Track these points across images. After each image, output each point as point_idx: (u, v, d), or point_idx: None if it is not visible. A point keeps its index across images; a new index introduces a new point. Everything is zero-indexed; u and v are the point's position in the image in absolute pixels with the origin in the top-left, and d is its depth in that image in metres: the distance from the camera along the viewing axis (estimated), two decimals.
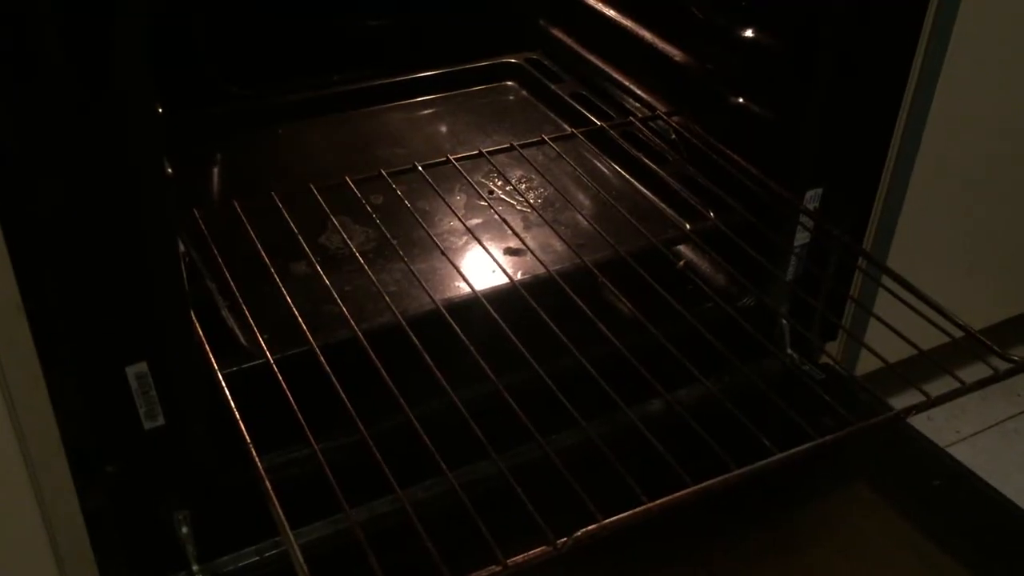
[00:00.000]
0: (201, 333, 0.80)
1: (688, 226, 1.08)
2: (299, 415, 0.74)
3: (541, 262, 0.95)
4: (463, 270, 0.99)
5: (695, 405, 0.95)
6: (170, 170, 0.76)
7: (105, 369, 0.73)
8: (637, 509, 0.66)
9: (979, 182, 1.13)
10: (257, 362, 0.83)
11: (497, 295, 0.92)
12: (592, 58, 1.30)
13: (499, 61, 1.38)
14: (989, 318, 1.25)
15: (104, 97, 0.64)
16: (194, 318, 0.80)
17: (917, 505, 0.98)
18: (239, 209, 0.91)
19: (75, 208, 0.65)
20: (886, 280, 1.05)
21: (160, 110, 0.70)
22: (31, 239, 0.65)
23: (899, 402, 0.89)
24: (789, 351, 1.10)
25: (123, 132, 0.65)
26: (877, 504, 0.99)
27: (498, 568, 0.63)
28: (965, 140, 1.07)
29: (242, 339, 0.86)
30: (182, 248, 0.80)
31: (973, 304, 1.21)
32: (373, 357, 0.79)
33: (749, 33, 1.01)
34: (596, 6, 1.27)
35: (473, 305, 0.89)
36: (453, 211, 1.05)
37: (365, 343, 0.81)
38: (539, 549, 0.65)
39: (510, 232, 1.02)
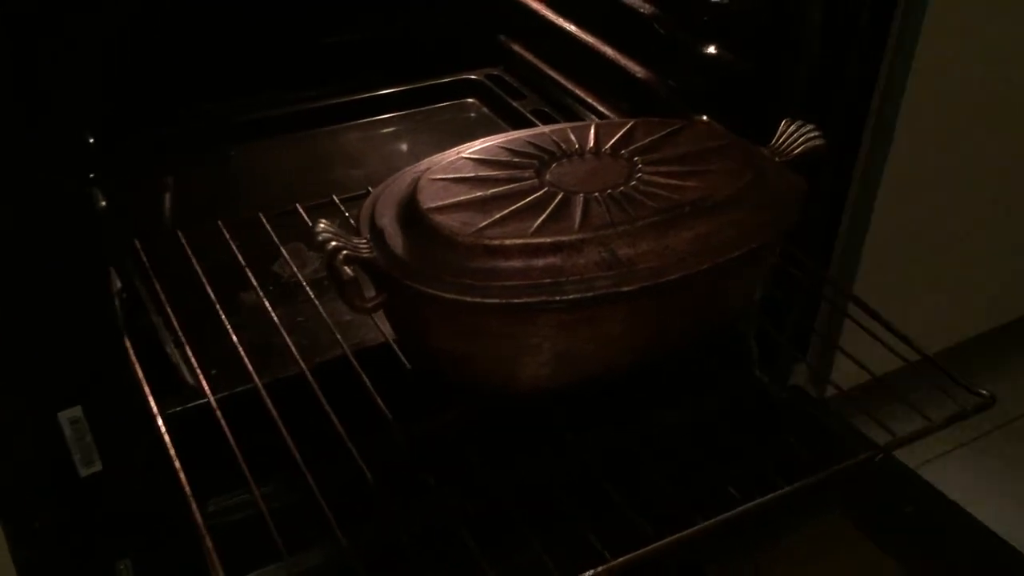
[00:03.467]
0: (140, 373, 0.76)
1: None
2: (240, 458, 0.71)
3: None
4: None
5: (664, 432, 0.94)
6: (103, 202, 0.73)
7: (36, 416, 0.69)
8: (599, 569, 0.63)
9: (948, 199, 1.11)
10: (202, 401, 0.79)
11: None
12: (554, 74, 1.27)
13: (459, 78, 1.36)
14: (961, 335, 1.24)
15: (26, 128, 0.60)
16: (134, 357, 0.76)
17: (890, 532, 0.96)
18: (183, 240, 0.87)
19: None
20: (851, 308, 1.03)
21: (92, 140, 0.67)
22: None
23: (870, 423, 0.87)
24: (757, 373, 1.07)
25: (46, 164, 0.61)
26: (847, 530, 0.97)
27: None
28: (933, 156, 1.05)
29: (187, 377, 0.82)
30: (119, 284, 0.76)
31: (942, 322, 1.19)
32: (319, 394, 0.76)
33: (712, 50, 0.99)
34: (557, 21, 1.24)
35: None
36: None
37: (311, 378, 0.77)
38: None
39: None
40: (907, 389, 0.82)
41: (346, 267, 0.66)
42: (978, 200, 1.13)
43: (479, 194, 0.73)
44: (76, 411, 0.70)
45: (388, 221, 0.72)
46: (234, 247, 0.89)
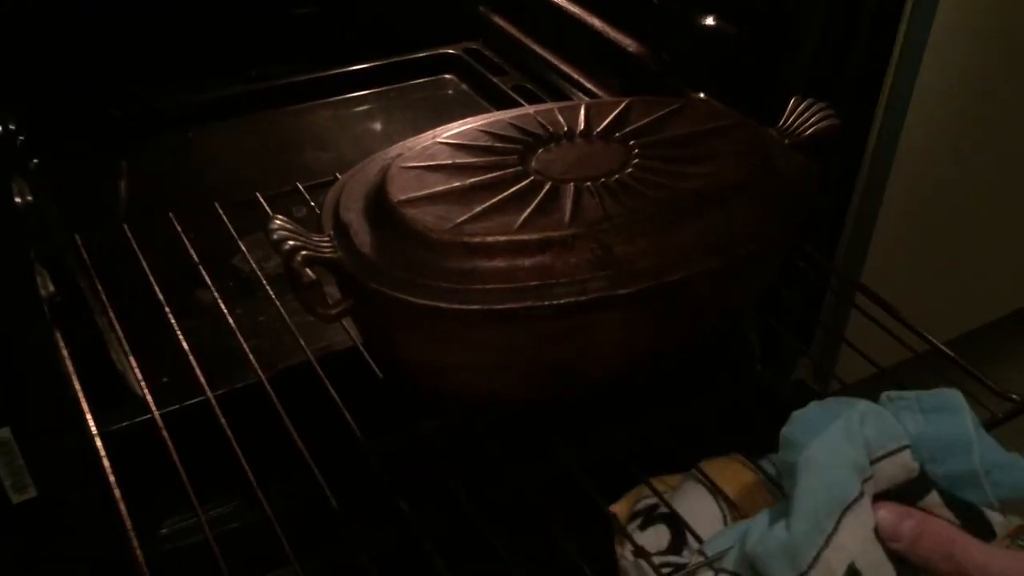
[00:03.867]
0: (78, 386, 0.68)
1: None
2: (184, 479, 0.63)
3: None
4: None
5: (661, 432, 0.87)
6: (30, 197, 0.64)
7: None
8: None
9: (955, 183, 1.05)
10: (147, 416, 0.71)
11: None
12: (537, 48, 1.20)
13: (436, 52, 1.28)
14: (970, 323, 1.17)
15: None
16: (71, 369, 0.68)
17: None
18: (129, 234, 0.79)
19: None
20: (858, 298, 0.97)
21: (13, 127, 0.58)
22: None
23: None
24: (759, 368, 1.01)
25: None
26: None
27: None
28: (942, 144, 0.98)
29: (135, 388, 0.74)
30: (51, 287, 0.68)
31: (951, 312, 1.13)
32: (279, 406, 0.68)
33: (710, 21, 0.91)
34: None
35: None
36: None
37: (268, 388, 0.69)
38: None
39: None
40: (915, 382, 0.76)
41: (306, 269, 0.58)
42: (993, 183, 1.06)
43: (456, 184, 0.65)
44: (4, 432, 0.63)
45: (354, 215, 0.64)
46: (186, 240, 0.80)
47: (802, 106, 0.74)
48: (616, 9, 1.04)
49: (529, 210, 0.62)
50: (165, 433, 0.66)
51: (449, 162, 0.68)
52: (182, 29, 1.15)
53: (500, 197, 0.63)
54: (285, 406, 0.69)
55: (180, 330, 0.74)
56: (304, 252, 0.58)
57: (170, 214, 0.82)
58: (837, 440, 0.51)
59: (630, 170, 0.66)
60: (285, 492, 0.67)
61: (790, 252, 0.78)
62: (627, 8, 1.02)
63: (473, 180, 0.65)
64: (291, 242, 0.58)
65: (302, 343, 0.74)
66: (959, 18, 0.85)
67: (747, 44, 0.87)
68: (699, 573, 0.54)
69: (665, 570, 0.58)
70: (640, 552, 0.61)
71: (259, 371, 0.71)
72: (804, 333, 1.04)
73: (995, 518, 0.53)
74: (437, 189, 0.64)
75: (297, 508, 0.66)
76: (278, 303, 0.78)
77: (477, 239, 0.59)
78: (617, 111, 0.73)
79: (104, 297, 0.74)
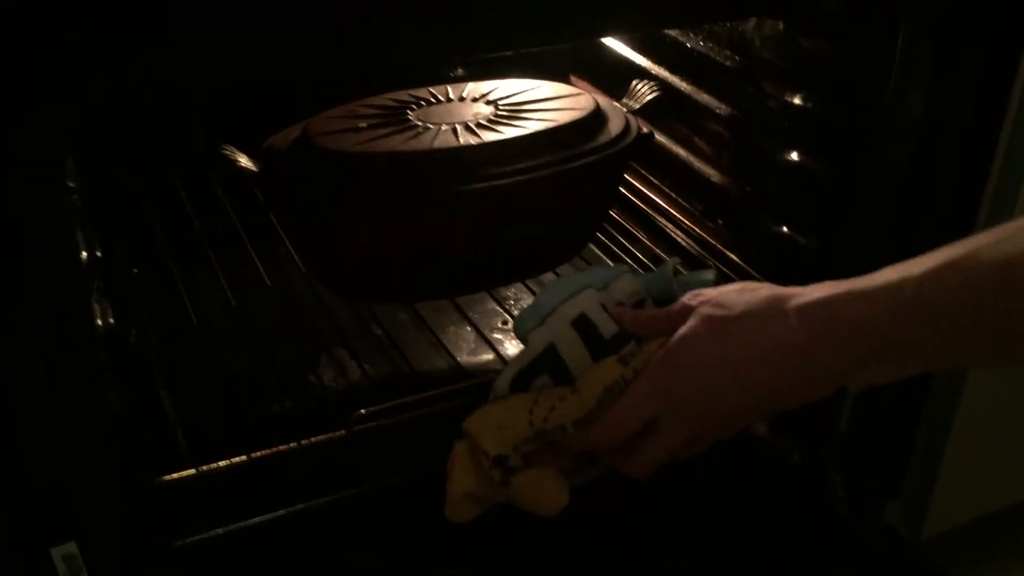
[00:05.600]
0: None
1: None
2: None
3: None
4: None
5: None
6: (111, 319, 0.67)
7: (26, 552, 0.62)
8: None
9: None
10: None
11: None
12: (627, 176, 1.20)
13: None
14: None
15: None
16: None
17: None
18: None
19: None
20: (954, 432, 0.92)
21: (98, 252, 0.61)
22: None
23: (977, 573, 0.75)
24: (844, 511, 0.96)
25: None
26: None
27: None
28: None
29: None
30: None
31: None
32: None
33: (793, 156, 0.90)
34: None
35: None
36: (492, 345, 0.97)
37: None
38: None
39: None
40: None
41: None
42: None
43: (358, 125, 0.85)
44: (70, 547, 0.64)
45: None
46: None
47: (640, 84, 0.97)
48: (702, 141, 1.04)
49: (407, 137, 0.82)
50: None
51: (356, 114, 0.87)
52: None
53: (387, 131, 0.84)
54: None
55: None
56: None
57: None
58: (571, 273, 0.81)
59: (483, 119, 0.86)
60: None
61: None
62: (711, 141, 1.02)
63: (369, 123, 0.85)
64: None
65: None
66: None
67: (828, 180, 0.86)
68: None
69: None
70: None
71: None
72: (893, 471, 0.99)
73: None
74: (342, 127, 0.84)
75: None
76: None
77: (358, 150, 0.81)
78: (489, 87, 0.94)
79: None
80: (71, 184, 0.76)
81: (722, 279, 0.72)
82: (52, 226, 0.55)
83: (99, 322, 0.74)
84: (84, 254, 0.76)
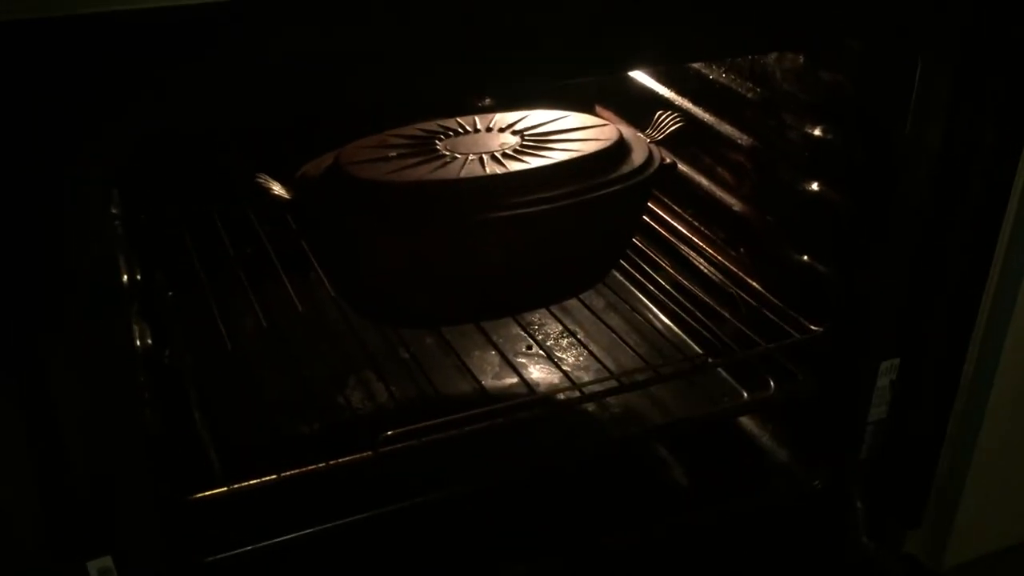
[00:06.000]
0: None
1: (746, 395, 0.97)
2: None
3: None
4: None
5: None
6: (149, 341, 0.70)
7: (63, 566, 0.65)
8: None
9: None
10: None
11: None
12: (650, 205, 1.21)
13: None
14: None
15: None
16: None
17: None
18: None
19: None
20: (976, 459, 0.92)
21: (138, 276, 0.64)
22: None
23: None
24: (865, 540, 0.96)
25: None
26: None
27: None
28: None
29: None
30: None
31: None
32: None
33: (814, 187, 0.91)
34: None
35: None
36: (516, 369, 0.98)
37: None
38: None
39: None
40: None
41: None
42: None
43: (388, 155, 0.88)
44: (106, 561, 0.66)
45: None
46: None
47: (664, 115, 0.98)
48: (725, 171, 1.06)
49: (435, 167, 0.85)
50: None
51: (386, 143, 0.90)
52: None
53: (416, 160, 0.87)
54: None
55: None
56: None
57: None
58: None
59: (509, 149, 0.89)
60: None
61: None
62: (734, 172, 1.04)
63: (399, 152, 0.88)
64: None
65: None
66: None
67: (851, 211, 0.87)
68: None
69: None
70: None
71: None
72: (915, 499, 0.99)
73: None
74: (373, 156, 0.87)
75: None
76: None
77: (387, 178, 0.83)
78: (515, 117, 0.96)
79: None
80: (114, 211, 0.80)
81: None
82: (97, 252, 0.58)
83: (137, 343, 0.76)
84: (125, 278, 0.79)
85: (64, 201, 0.54)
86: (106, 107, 0.54)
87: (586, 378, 0.98)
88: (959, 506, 0.98)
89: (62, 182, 0.54)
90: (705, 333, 1.00)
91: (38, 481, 0.62)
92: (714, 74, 1.03)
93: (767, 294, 0.99)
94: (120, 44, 0.53)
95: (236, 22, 0.55)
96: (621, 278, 1.12)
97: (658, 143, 0.95)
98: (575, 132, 0.91)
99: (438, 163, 0.86)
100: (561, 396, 0.92)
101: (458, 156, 0.87)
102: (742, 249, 1.04)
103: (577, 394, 0.90)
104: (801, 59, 0.90)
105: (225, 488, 0.75)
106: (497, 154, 0.87)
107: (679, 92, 1.10)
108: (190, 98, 0.56)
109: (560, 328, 1.07)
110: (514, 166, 0.85)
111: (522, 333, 1.06)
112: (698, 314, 1.02)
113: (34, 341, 0.57)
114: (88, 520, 0.64)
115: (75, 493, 0.63)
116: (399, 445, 0.79)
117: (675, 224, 1.13)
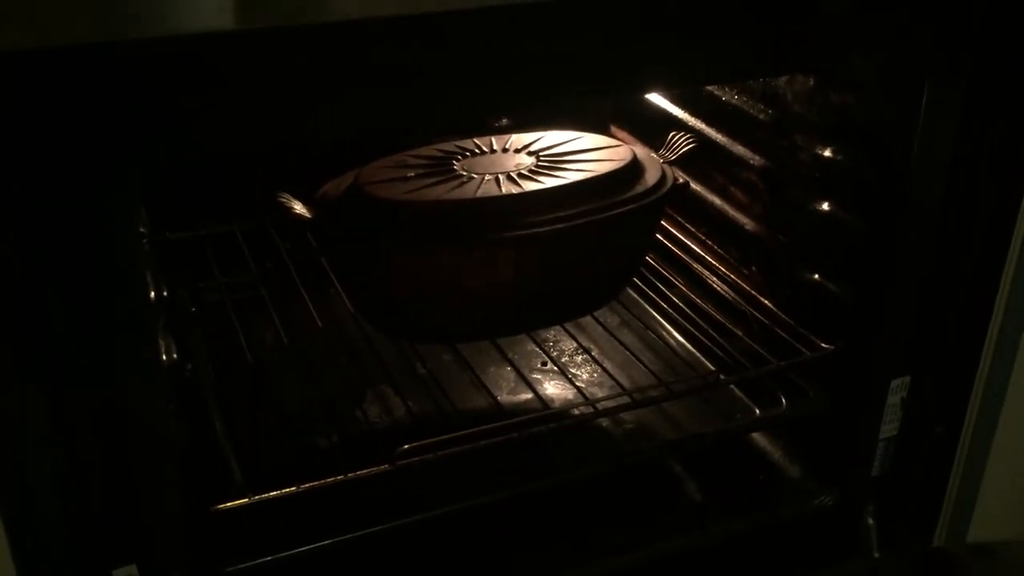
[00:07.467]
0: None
1: (758, 412, 0.98)
2: None
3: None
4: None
5: None
6: (175, 355, 0.72)
7: (89, 574, 0.66)
8: None
9: None
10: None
11: None
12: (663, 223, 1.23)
13: None
14: None
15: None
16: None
17: None
18: None
19: None
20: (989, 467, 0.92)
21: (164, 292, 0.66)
22: None
23: None
24: (876, 555, 0.97)
25: None
26: None
27: None
28: None
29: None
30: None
31: None
32: None
33: (825, 206, 0.93)
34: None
35: None
36: (532, 385, 0.99)
37: None
38: None
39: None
40: None
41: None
42: None
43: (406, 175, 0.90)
44: (131, 569, 0.68)
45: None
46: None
47: (677, 136, 1.00)
48: (737, 191, 1.07)
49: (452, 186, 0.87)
50: None
51: (404, 163, 0.93)
52: None
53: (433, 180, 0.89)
54: None
55: None
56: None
57: None
58: None
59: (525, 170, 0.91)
60: None
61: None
62: (745, 191, 1.05)
63: (417, 172, 0.91)
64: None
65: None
66: None
67: (860, 230, 0.88)
68: None
69: None
70: None
71: None
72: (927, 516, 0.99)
73: None
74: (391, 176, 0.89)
75: None
76: None
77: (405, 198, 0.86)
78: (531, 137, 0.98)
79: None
80: (142, 230, 0.82)
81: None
82: (125, 268, 0.60)
83: (164, 357, 0.78)
84: (152, 293, 0.82)
85: (98, 221, 0.56)
86: (140, 133, 0.56)
87: (600, 394, 0.99)
88: (972, 522, 0.99)
89: (94, 202, 0.56)
90: (717, 351, 1.01)
91: (65, 490, 0.63)
92: (726, 96, 1.05)
93: (779, 312, 1.00)
94: (148, 74, 0.55)
95: (261, 47, 0.57)
96: (635, 296, 1.13)
97: (671, 163, 0.97)
98: (589, 152, 0.93)
99: (455, 183, 0.88)
100: (575, 412, 0.94)
101: (475, 176, 0.89)
102: (754, 268, 1.05)
103: (591, 410, 0.92)
104: (811, 81, 0.92)
105: (246, 499, 0.77)
106: (513, 174, 0.89)
107: (693, 113, 1.12)
108: (217, 127, 0.58)
109: (575, 345, 1.08)
110: (529, 186, 0.87)
111: (537, 350, 1.07)
112: (711, 332, 1.03)
113: (66, 355, 0.59)
114: (114, 529, 0.66)
115: (102, 502, 0.65)
116: (416, 458, 0.80)
117: (688, 243, 1.15)
